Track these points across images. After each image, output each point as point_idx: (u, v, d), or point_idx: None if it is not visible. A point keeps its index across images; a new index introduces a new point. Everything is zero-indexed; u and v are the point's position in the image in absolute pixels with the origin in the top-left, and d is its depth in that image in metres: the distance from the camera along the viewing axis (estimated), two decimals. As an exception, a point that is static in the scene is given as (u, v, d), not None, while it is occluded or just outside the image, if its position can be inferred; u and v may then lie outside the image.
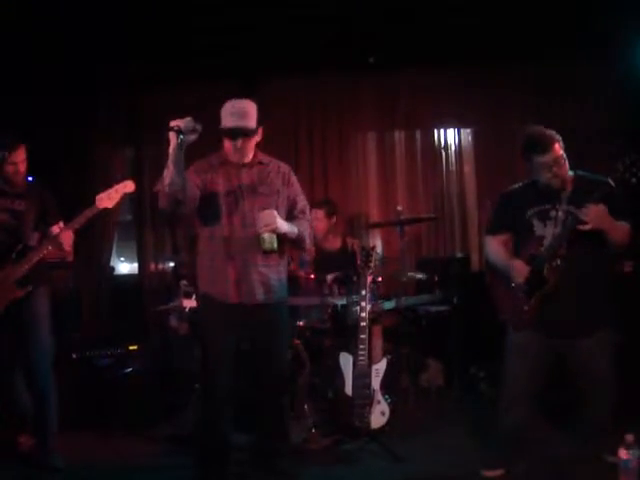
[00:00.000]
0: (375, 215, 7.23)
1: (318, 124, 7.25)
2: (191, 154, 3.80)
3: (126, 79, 6.69)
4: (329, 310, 5.45)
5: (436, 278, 6.29)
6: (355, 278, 5.22)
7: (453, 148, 7.29)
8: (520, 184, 3.97)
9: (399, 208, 5.86)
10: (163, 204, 3.80)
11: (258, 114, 3.97)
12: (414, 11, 5.87)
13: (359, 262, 4.93)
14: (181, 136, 3.59)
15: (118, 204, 4.62)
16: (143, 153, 7.12)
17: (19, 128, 4.65)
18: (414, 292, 6.53)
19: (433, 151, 7.28)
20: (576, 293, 3.67)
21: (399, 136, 7.32)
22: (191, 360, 5.19)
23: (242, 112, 3.89)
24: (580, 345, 3.70)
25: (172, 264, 6.88)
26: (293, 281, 5.57)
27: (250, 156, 4.01)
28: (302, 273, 5.72)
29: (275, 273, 3.97)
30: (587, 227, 3.51)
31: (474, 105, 7.05)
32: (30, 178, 4.68)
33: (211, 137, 3.89)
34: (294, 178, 4.16)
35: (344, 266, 5.55)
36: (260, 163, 4.04)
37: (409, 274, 5.93)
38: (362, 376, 4.72)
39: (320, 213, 6.04)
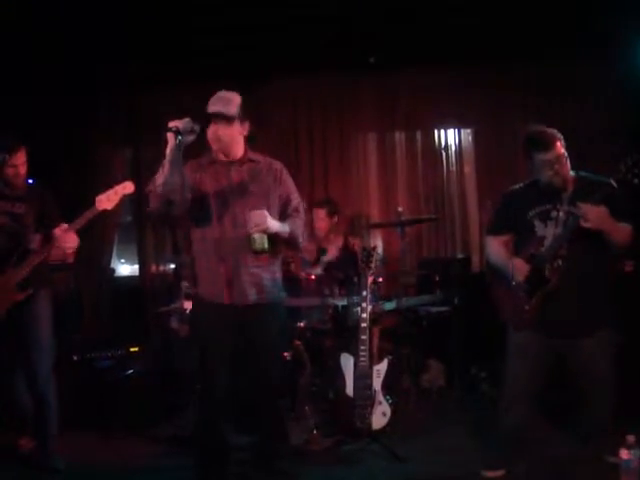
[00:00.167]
0: (376, 216, 7.22)
1: (318, 124, 7.25)
2: (190, 155, 3.80)
3: (126, 79, 6.69)
4: (330, 311, 5.45)
5: (437, 278, 6.29)
6: (356, 279, 5.22)
7: (453, 148, 7.29)
8: (521, 184, 3.96)
9: (400, 209, 5.85)
10: (154, 205, 3.78)
11: (244, 109, 3.91)
12: (414, 11, 5.87)
13: (360, 263, 4.91)
14: (179, 137, 3.58)
15: (118, 205, 4.58)
16: (143, 154, 7.12)
17: (19, 128, 4.64)
18: (415, 293, 6.53)
19: (434, 151, 7.28)
20: (577, 293, 3.66)
21: (399, 136, 7.32)
22: (192, 361, 5.18)
23: (224, 99, 3.88)
24: (581, 345, 3.70)
25: (173, 265, 6.89)
26: (294, 282, 5.58)
27: (239, 153, 3.96)
28: (303, 274, 5.72)
29: (268, 273, 3.94)
30: (587, 225, 3.50)
31: (474, 105, 7.05)
32: (30, 180, 4.67)
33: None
34: (287, 175, 4.10)
35: (345, 266, 5.54)
36: (250, 161, 3.99)
37: (409, 274, 5.95)
38: (363, 377, 4.71)
39: (322, 212, 6.05)
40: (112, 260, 7.40)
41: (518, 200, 3.88)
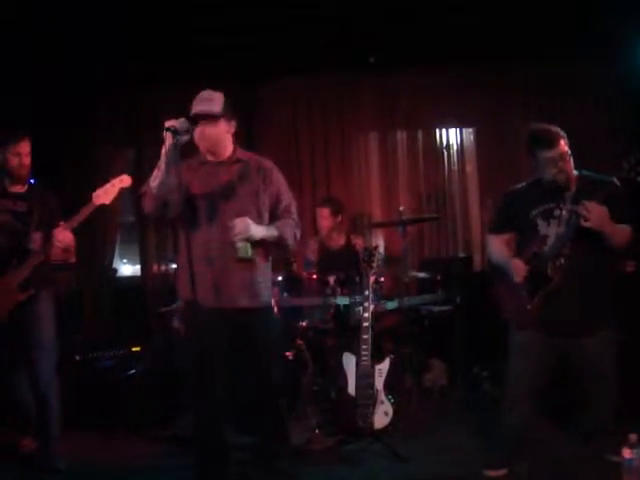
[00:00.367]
0: (377, 215, 7.24)
1: (319, 124, 7.26)
2: (187, 156, 3.79)
3: (126, 79, 6.69)
4: (332, 310, 5.45)
5: (439, 278, 6.29)
6: (358, 278, 5.23)
7: (455, 148, 7.30)
8: (524, 183, 3.96)
9: (401, 208, 5.85)
10: (149, 207, 3.76)
11: (228, 106, 3.84)
12: (415, 11, 5.87)
13: (362, 262, 4.91)
14: (177, 136, 3.57)
15: (117, 201, 4.56)
16: (144, 153, 7.12)
17: (19, 128, 4.63)
18: (417, 292, 6.53)
19: (435, 151, 7.29)
20: (579, 292, 3.66)
21: (401, 136, 7.33)
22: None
23: (206, 99, 3.81)
24: (582, 344, 3.69)
25: (174, 265, 6.88)
26: (296, 281, 5.59)
27: (227, 152, 3.92)
28: (305, 273, 5.72)
29: (260, 275, 3.90)
30: (588, 225, 3.49)
31: (475, 105, 7.06)
32: (32, 180, 4.65)
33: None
34: (277, 175, 4.02)
35: (348, 264, 5.54)
36: (239, 160, 3.93)
37: (411, 274, 5.94)
38: (365, 376, 4.71)
39: (325, 211, 6.07)
40: (114, 260, 7.41)
41: (521, 199, 3.88)
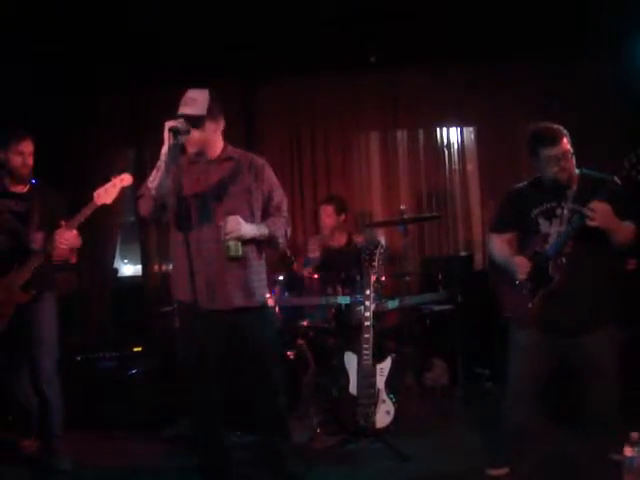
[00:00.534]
0: (379, 214, 7.24)
1: (320, 124, 7.26)
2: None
3: (126, 79, 6.68)
4: (333, 310, 5.45)
5: (440, 277, 6.29)
6: (359, 277, 5.23)
7: (456, 147, 7.30)
8: (525, 182, 3.96)
9: (402, 207, 5.86)
10: (146, 210, 3.72)
11: (213, 103, 3.76)
12: (415, 10, 5.86)
13: (363, 261, 4.90)
14: (177, 136, 3.55)
15: (118, 201, 4.50)
16: (144, 153, 7.13)
17: (21, 128, 4.63)
18: (418, 291, 6.53)
19: (436, 150, 7.28)
20: (580, 291, 3.65)
21: (402, 135, 7.33)
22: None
23: (189, 100, 3.73)
24: (584, 343, 3.69)
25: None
26: (297, 281, 5.59)
27: (217, 151, 3.88)
28: (306, 273, 5.72)
29: (255, 274, 3.88)
30: (594, 224, 3.48)
31: (476, 104, 7.05)
32: (33, 180, 4.64)
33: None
34: (269, 172, 3.97)
35: (349, 264, 5.54)
36: (230, 158, 3.89)
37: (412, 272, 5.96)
38: (367, 375, 4.71)
39: (329, 209, 6.07)
40: (115, 260, 7.41)
41: (522, 198, 3.87)
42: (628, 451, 3.21)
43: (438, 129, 7.28)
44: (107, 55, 6.21)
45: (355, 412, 4.68)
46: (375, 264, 4.85)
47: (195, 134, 3.70)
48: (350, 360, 4.81)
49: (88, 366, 5.69)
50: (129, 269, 8.17)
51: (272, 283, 5.44)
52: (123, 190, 4.46)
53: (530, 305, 3.73)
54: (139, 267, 7.50)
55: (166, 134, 3.57)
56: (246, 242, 3.76)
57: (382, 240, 6.99)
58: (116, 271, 7.52)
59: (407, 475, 4.35)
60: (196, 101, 3.72)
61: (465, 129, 7.30)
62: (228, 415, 4.03)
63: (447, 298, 6.15)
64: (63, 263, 4.53)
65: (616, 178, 3.53)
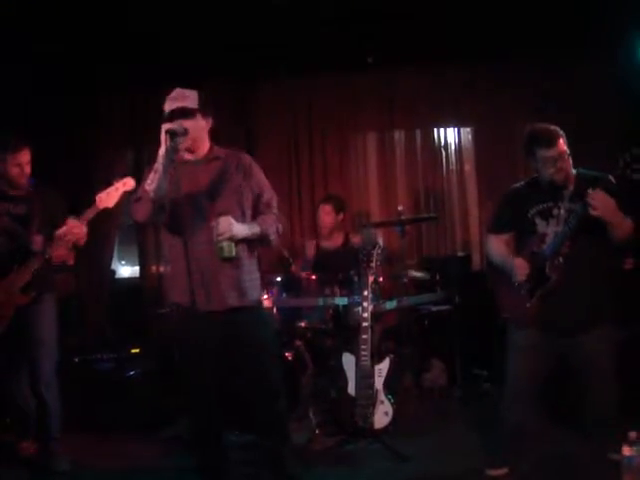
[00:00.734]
0: (376, 215, 7.23)
1: (317, 124, 7.25)
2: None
3: (126, 79, 6.67)
4: (330, 311, 5.45)
5: (437, 277, 6.29)
6: (356, 278, 5.22)
7: (453, 147, 7.29)
8: (522, 183, 3.97)
9: (400, 208, 5.86)
10: (145, 213, 3.66)
11: (203, 103, 3.78)
12: (412, 11, 5.86)
13: (360, 262, 4.90)
14: (175, 139, 3.56)
15: (119, 205, 4.47)
16: (143, 154, 7.11)
17: (19, 129, 4.62)
18: (415, 292, 6.53)
19: (433, 150, 7.28)
20: (578, 291, 3.66)
21: (399, 136, 7.33)
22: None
23: (180, 96, 3.75)
24: (582, 342, 3.69)
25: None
26: (294, 282, 5.59)
27: (205, 150, 3.87)
28: (304, 274, 5.72)
29: (247, 273, 3.86)
30: (596, 213, 3.48)
31: (473, 104, 7.05)
32: (32, 181, 4.63)
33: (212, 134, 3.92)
34: (257, 169, 3.96)
35: (346, 264, 5.54)
36: (217, 158, 3.88)
37: (411, 273, 5.95)
38: (365, 376, 4.70)
39: (328, 208, 6.09)
40: (113, 261, 7.40)
41: (519, 198, 3.88)
42: (627, 450, 3.22)
43: (435, 129, 7.27)
44: (107, 55, 6.20)
45: (353, 413, 4.68)
46: (373, 265, 4.86)
47: (187, 125, 3.69)
48: (348, 361, 4.81)
49: (86, 367, 5.69)
50: (127, 270, 8.15)
51: (270, 284, 5.45)
52: (125, 194, 4.42)
53: (528, 305, 3.74)
54: (137, 268, 7.49)
55: (163, 136, 3.57)
56: (238, 241, 3.75)
57: (380, 241, 7.00)
58: (114, 272, 7.51)
59: (406, 476, 4.35)
60: (187, 97, 3.75)
61: (462, 129, 7.30)
62: (227, 415, 4.03)
63: (445, 299, 6.15)
64: (61, 264, 4.52)
65: (611, 177, 3.54)
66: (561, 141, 3.67)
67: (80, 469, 4.59)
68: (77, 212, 4.40)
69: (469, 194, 7.28)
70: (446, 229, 7.23)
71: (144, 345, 5.95)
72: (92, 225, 4.44)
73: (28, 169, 4.50)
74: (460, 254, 7.05)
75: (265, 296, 5.15)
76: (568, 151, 3.68)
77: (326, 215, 6.11)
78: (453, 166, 7.29)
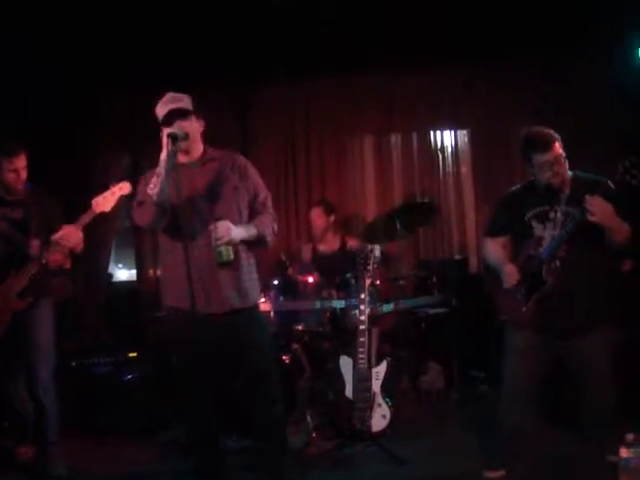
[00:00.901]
0: (372, 217, 7.21)
1: (315, 127, 7.25)
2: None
3: (126, 79, 6.66)
4: (328, 314, 5.45)
5: (434, 280, 6.29)
6: (353, 281, 5.23)
7: (450, 150, 7.29)
8: (518, 186, 3.97)
9: (396, 212, 5.86)
10: (149, 217, 3.68)
11: (196, 106, 3.80)
12: (410, 14, 5.87)
13: (357, 265, 4.90)
14: (177, 143, 3.58)
15: (115, 208, 4.46)
16: (143, 156, 7.08)
17: (17, 129, 4.60)
18: (412, 294, 6.53)
19: (430, 153, 7.27)
20: (574, 294, 3.67)
21: (396, 139, 7.32)
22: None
23: (174, 98, 3.76)
24: (579, 345, 3.70)
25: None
26: (291, 285, 5.59)
27: (199, 152, 3.88)
28: (300, 277, 5.73)
29: (246, 274, 3.87)
30: (594, 219, 3.48)
31: (470, 106, 7.05)
32: (28, 185, 4.61)
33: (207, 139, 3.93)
34: (252, 170, 3.98)
35: (343, 267, 5.54)
36: (212, 159, 3.89)
37: (407, 276, 5.96)
38: (362, 379, 4.71)
39: (318, 210, 6.24)
40: (110, 265, 7.39)
41: (516, 202, 3.89)
42: (624, 452, 3.23)
43: (432, 132, 7.28)
44: (107, 55, 6.19)
45: (351, 416, 4.68)
46: (370, 268, 4.86)
47: (185, 124, 3.71)
48: (345, 364, 4.81)
49: (83, 371, 5.68)
50: (124, 274, 8.14)
51: (267, 287, 5.45)
52: (122, 198, 4.41)
53: (524, 309, 3.74)
54: (134, 272, 7.48)
55: (165, 140, 3.59)
56: (235, 245, 3.76)
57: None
58: (111, 276, 7.50)
59: (403, 478, 4.36)
60: (181, 99, 3.77)
61: (459, 132, 7.30)
62: (224, 419, 4.03)
63: (442, 301, 6.16)
64: (58, 268, 4.51)
65: (609, 181, 3.55)
66: (557, 145, 3.67)
67: (77, 473, 4.58)
68: (73, 215, 4.39)
69: (466, 197, 7.27)
70: (443, 232, 7.23)
71: (141, 349, 5.94)
72: (89, 229, 4.42)
73: (24, 174, 4.49)
74: (457, 257, 7.04)
75: (262, 299, 5.15)
76: (564, 154, 3.69)
77: (318, 217, 6.27)
78: (449, 169, 7.29)
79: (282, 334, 5.49)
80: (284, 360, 5.27)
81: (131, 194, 4.38)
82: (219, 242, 3.65)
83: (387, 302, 5.57)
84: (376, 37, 6.28)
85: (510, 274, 3.78)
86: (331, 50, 6.33)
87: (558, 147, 3.67)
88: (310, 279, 5.64)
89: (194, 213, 3.75)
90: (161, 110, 3.74)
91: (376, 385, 4.73)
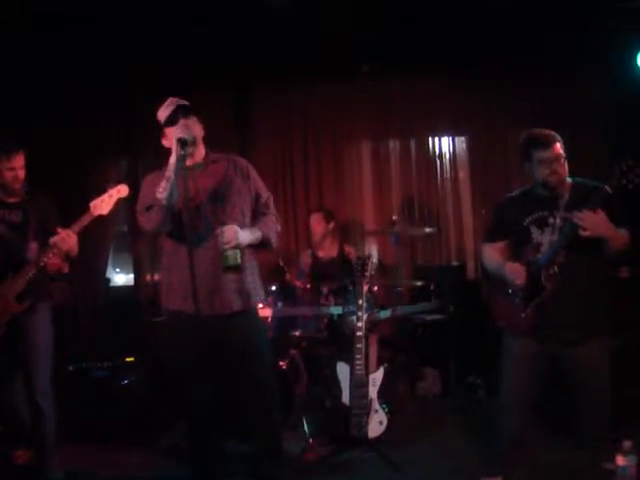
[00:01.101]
0: (370, 224, 7.23)
1: (312, 133, 7.25)
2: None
3: (126, 80, 6.65)
4: (325, 320, 5.46)
5: (432, 286, 6.30)
6: (351, 288, 5.23)
7: (448, 156, 7.29)
8: (517, 192, 3.97)
9: (394, 217, 5.88)
10: (157, 221, 3.70)
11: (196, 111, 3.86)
12: (408, 20, 5.88)
13: (355, 271, 4.90)
14: (185, 147, 3.60)
15: (113, 212, 4.46)
16: (143, 157, 7.08)
17: (17, 129, 4.60)
18: (410, 301, 6.54)
19: (428, 159, 7.27)
20: (573, 301, 3.66)
21: (394, 145, 7.33)
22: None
23: (176, 100, 3.82)
24: (577, 352, 3.69)
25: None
26: (289, 291, 5.60)
27: (202, 154, 3.91)
28: (299, 283, 5.73)
29: (250, 275, 3.90)
30: (587, 234, 3.49)
31: (468, 113, 7.06)
32: (25, 186, 4.60)
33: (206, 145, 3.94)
34: (253, 171, 4.03)
35: (341, 274, 5.55)
36: (214, 162, 3.93)
37: (404, 282, 5.96)
38: (359, 385, 4.71)
39: (318, 216, 6.25)
40: (107, 269, 7.38)
41: (514, 207, 3.89)
42: (620, 460, 3.23)
43: (430, 138, 7.28)
44: (107, 55, 6.18)
45: (348, 422, 4.68)
46: (367, 274, 4.86)
47: (191, 123, 3.77)
48: (343, 370, 4.81)
49: (80, 376, 5.67)
50: (121, 278, 8.13)
51: (265, 293, 5.45)
52: (119, 201, 4.41)
53: (523, 315, 3.74)
54: (131, 276, 7.48)
55: (174, 145, 3.63)
56: (243, 248, 3.78)
57: (374, 250, 7.03)
58: (108, 280, 7.49)
59: (400, 484, 4.36)
60: (182, 101, 3.83)
61: (457, 138, 7.30)
62: (223, 423, 4.04)
63: (439, 308, 6.17)
64: (56, 272, 4.51)
65: (607, 187, 3.56)
66: (558, 145, 3.69)
67: (75, 477, 4.57)
68: (70, 218, 4.37)
69: (463, 203, 7.27)
70: (440, 238, 7.22)
71: (139, 353, 5.93)
72: (86, 232, 4.41)
73: (22, 174, 4.47)
74: (454, 263, 7.05)
75: (260, 305, 5.15)
76: (564, 156, 3.69)
77: (317, 224, 6.27)
78: (448, 175, 7.28)
79: (280, 340, 5.49)
80: (281, 366, 5.28)
81: (129, 197, 4.41)
82: (226, 246, 3.67)
83: (384, 308, 5.57)
84: (375, 43, 6.28)
85: (515, 271, 3.76)
86: (329, 56, 6.33)
87: (559, 147, 3.68)
88: (308, 285, 5.64)
89: (198, 215, 3.77)
90: (164, 112, 3.79)
91: (373, 391, 4.73)
